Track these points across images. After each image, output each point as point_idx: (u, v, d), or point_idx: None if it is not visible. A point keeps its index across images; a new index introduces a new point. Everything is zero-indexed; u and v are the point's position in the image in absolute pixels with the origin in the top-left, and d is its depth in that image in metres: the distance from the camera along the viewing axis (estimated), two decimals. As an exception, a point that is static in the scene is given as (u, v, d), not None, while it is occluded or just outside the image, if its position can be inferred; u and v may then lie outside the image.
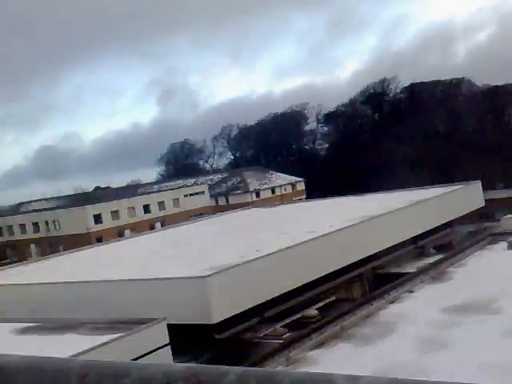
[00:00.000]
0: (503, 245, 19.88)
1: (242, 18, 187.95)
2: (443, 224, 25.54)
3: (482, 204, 28.31)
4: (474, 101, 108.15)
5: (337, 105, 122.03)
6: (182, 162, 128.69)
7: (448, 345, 11.90)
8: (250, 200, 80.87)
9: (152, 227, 59.89)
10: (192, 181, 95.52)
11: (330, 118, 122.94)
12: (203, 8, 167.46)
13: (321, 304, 18.12)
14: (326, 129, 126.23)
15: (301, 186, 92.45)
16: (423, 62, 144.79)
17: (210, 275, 15.05)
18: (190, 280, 15.50)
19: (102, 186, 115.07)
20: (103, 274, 18.76)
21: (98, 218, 67.69)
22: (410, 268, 20.96)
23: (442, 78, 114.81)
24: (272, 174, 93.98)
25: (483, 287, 15.48)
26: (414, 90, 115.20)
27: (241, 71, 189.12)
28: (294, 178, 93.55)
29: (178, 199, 77.91)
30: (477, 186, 28.55)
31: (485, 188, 30.07)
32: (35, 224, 72.24)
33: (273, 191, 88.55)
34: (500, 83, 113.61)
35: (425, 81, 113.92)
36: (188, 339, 15.06)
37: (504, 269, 17.42)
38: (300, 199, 68.74)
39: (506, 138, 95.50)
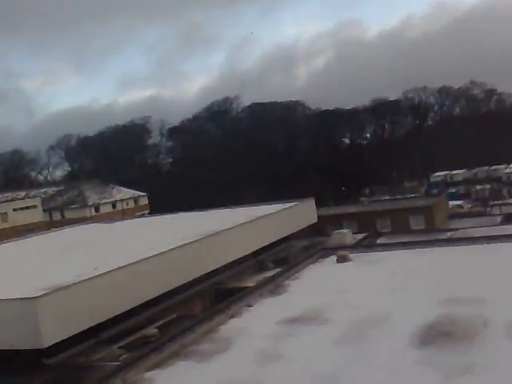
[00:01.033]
0: (333, 258, 21.29)
1: (88, 23, 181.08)
2: (281, 239, 26.73)
3: (315, 220, 30.22)
4: (309, 123, 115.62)
5: (181, 120, 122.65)
6: (11, 174, 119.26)
7: (283, 357, 12.31)
8: (88, 215, 77.62)
9: (-25, 244, 54.41)
10: (23, 193, 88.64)
11: (173, 132, 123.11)
12: (43, 9, 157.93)
13: (161, 322, 17.77)
14: (170, 143, 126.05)
15: (144, 201, 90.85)
16: (268, 82, 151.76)
17: (40, 296, 13.99)
18: (18, 302, 14.25)
19: None
20: None
21: None
22: (250, 282, 21.48)
23: (279, 100, 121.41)
24: (113, 188, 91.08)
25: (315, 298, 16.36)
26: (254, 110, 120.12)
27: (83, 79, 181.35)
28: (136, 193, 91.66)
29: (5, 213, 71.89)
30: (311, 202, 30.44)
31: (317, 205, 32.15)
32: None
33: (113, 206, 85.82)
34: (332, 107, 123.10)
35: (264, 102, 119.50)
36: (17, 365, 13.86)
37: (333, 281, 18.65)
38: (143, 214, 67.45)
39: (336, 159, 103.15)
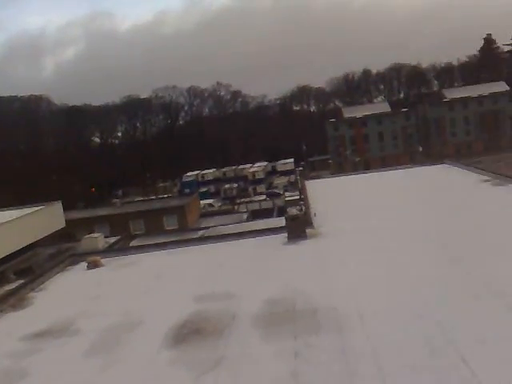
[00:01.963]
0: (83, 265, 20.39)
1: None
2: (24, 247, 24.71)
3: (63, 225, 28.69)
4: (54, 120, 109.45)
5: None
6: None
7: (28, 375, 11.33)
8: None
9: None
10: None
11: None
12: None
13: None
14: None
15: None
16: (9, 73, 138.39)
17: None
18: None
19: None
20: None
21: None
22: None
23: (21, 94, 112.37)
24: None
25: (64, 309, 15.42)
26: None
27: None
28: None
29: None
30: (58, 206, 28.78)
31: (66, 208, 30.59)
32: None
33: None
34: (80, 103, 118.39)
35: (2, 95, 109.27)
36: None
37: (83, 289, 17.83)
38: None
39: (85, 159, 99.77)
